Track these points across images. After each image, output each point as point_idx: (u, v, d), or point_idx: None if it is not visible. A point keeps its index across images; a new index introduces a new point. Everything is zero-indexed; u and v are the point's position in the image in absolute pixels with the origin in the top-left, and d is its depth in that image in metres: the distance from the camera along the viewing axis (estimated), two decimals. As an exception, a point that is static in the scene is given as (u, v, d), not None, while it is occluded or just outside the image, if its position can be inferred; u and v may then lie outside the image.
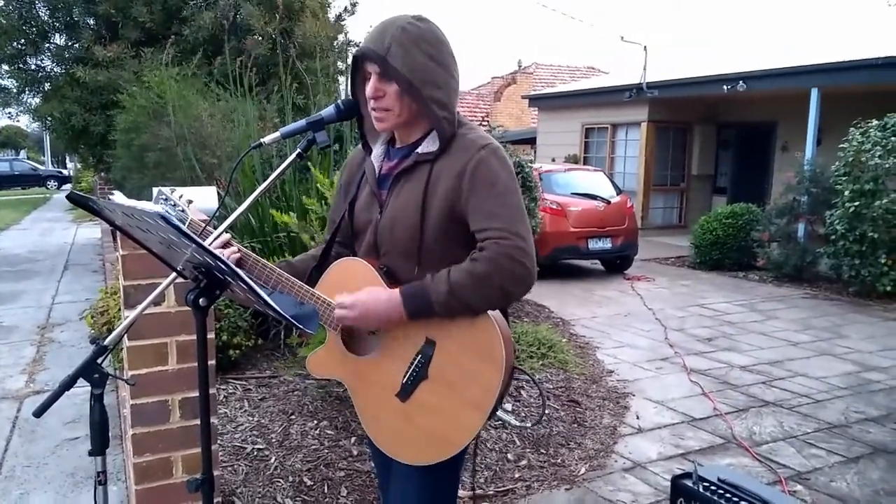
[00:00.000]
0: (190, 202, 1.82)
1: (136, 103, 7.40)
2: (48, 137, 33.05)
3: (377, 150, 1.78)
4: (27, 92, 10.94)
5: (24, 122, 38.68)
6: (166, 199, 1.78)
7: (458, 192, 1.58)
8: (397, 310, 1.55)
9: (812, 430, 4.01)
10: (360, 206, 1.77)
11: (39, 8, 10.39)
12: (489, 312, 1.54)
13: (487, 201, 1.56)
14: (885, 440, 3.88)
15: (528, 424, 3.81)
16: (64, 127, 10.61)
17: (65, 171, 37.00)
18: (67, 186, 31.57)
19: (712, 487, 2.30)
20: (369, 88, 1.63)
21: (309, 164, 4.38)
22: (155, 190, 1.87)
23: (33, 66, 10.75)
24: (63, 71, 10.48)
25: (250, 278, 1.40)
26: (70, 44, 10.61)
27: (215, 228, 1.69)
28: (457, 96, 1.68)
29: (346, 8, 11.55)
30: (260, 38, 9.79)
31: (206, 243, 1.38)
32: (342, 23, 11.42)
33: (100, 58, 9.43)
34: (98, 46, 9.55)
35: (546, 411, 4.05)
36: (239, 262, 1.68)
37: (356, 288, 1.63)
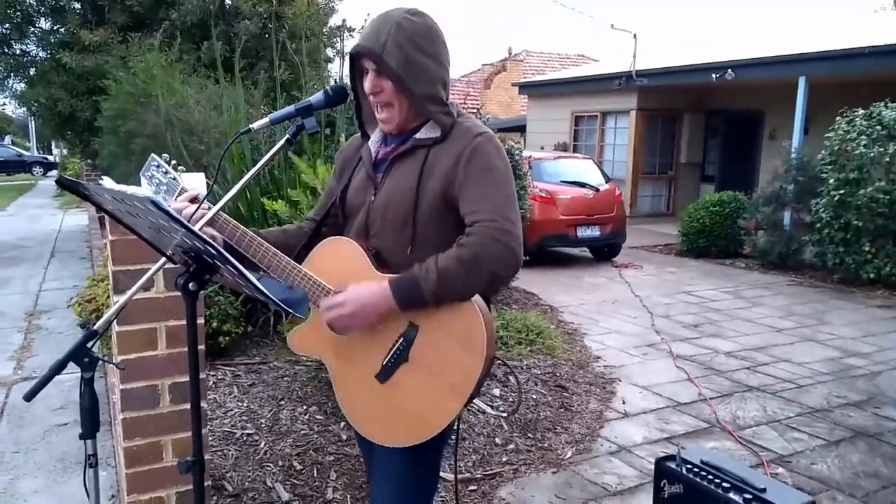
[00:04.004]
0: (182, 169, 1.84)
1: (122, 90, 7.33)
2: (34, 123, 32.65)
3: (375, 136, 1.82)
4: (12, 77, 10.80)
5: (10, 108, 38.22)
6: (158, 166, 1.80)
7: (452, 177, 1.62)
8: (389, 302, 1.56)
9: (794, 414, 4.08)
10: (354, 189, 1.79)
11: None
12: (472, 299, 1.55)
13: (480, 186, 1.59)
14: (865, 424, 3.95)
15: (504, 413, 3.84)
16: (50, 113, 10.51)
17: (50, 158, 36.61)
18: (53, 173, 31.25)
19: (695, 469, 2.33)
20: (367, 84, 1.67)
21: (291, 154, 4.36)
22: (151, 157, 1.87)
23: (18, 51, 10.61)
24: (49, 56, 10.36)
25: (240, 262, 1.41)
26: (56, 28, 10.48)
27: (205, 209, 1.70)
28: (449, 88, 1.71)
29: None
30: (248, 21, 9.71)
31: (195, 228, 1.39)
32: (333, 5, 11.36)
33: (86, 42, 9.32)
34: (84, 31, 9.43)
35: (525, 399, 4.09)
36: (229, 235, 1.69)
37: (343, 266, 1.64)
